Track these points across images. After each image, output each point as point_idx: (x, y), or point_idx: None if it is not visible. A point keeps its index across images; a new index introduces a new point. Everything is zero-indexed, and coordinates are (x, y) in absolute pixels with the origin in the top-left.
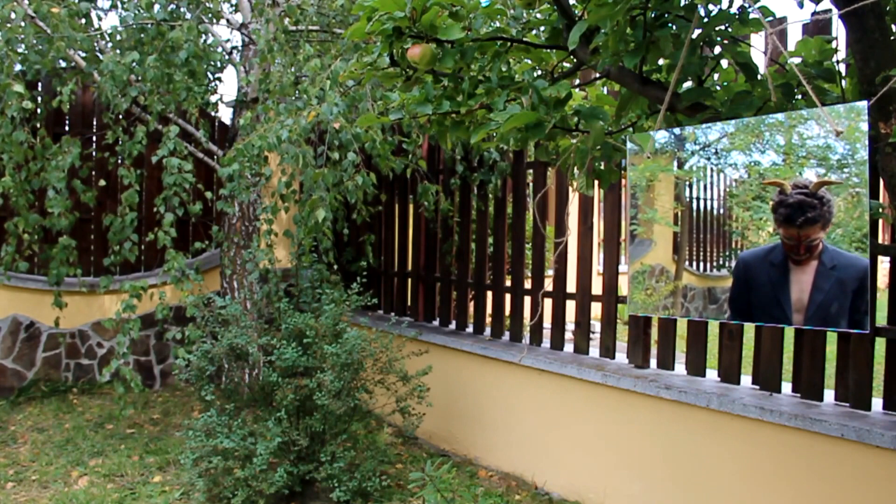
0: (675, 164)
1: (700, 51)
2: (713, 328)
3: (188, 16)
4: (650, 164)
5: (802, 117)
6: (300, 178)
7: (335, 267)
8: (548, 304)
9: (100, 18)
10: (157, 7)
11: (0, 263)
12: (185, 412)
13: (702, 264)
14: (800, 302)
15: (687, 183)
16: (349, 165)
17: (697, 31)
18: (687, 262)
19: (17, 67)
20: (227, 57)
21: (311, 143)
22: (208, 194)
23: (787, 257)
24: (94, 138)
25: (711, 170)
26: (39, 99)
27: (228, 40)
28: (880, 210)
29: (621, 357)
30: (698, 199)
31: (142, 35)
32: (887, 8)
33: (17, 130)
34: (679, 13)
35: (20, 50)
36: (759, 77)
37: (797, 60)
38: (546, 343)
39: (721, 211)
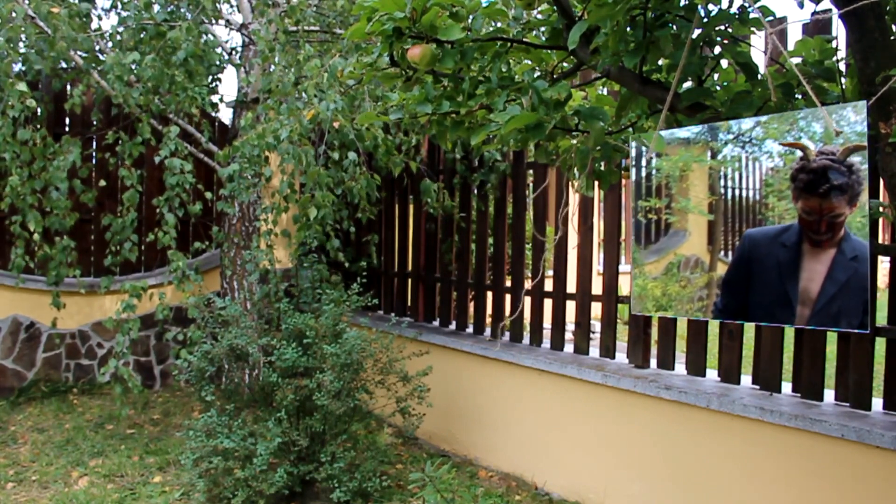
0: (709, 154)
1: (700, 51)
2: (713, 328)
3: (188, 16)
4: (684, 154)
5: (840, 106)
6: (300, 177)
7: (346, 265)
8: (548, 304)
9: (100, 18)
10: (156, 7)
11: (12, 267)
12: (185, 412)
13: None
14: (807, 293)
15: (721, 172)
16: (350, 165)
17: (697, 31)
18: (722, 253)
19: (18, 67)
20: (226, 57)
21: (311, 142)
22: (208, 195)
23: (802, 239)
24: (94, 138)
25: (746, 158)
26: (40, 99)
27: (228, 41)
28: (880, 210)
29: (621, 357)
30: (733, 188)
31: (142, 35)
32: (887, 8)
33: (21, 129)
34: (679, 13)
35: (21, 50)
36: (759, 77)
37: (797, 60)
38: (546, 343)
39: (757, 199)
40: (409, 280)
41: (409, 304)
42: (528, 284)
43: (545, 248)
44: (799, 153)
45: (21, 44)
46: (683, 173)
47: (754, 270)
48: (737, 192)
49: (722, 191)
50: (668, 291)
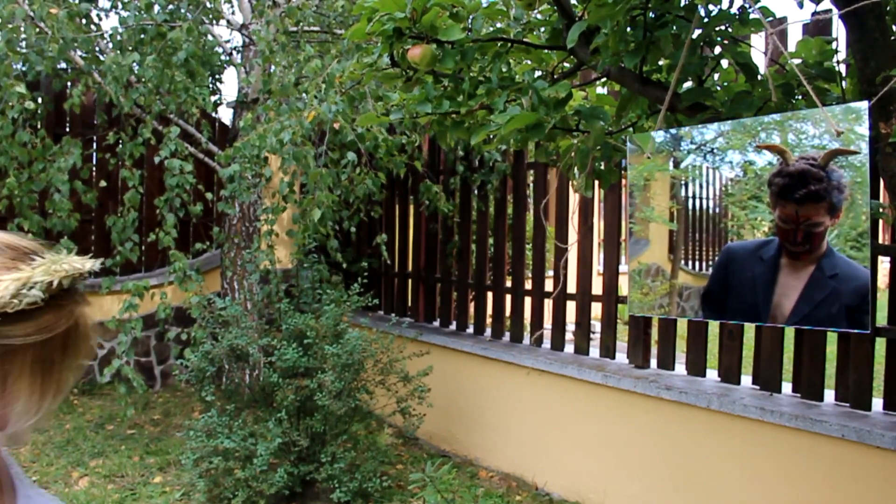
0: (672, 163)
1: (700, 51)
2: (713, 328)
3: (189, 17)
4: (648, 164)
5: (798, 117)
6: (301, 178)
7: (344, 266)
8: (548, 304)
9: (100, 18)
10: (156, 8)
11: None
12: (185, 413)
13: (698, 263)
14: (780, 308)
15: (683, 182)
16: (348, 165)
17: (698, 32)
18: (683, 262)
19: (18, 67)
20: (227, 58)
21: (312, 142)
22: (209, 195)
23: (781, 253)
24: (95, 139)
25: (708, 169)
26: (40, 100)
27: (228, 41)
28: (880, 210)
29: (621, 357)
30: (694, 197)
31: (142, 36)
32: (887, 8)
33: (19, 131)
34: (679, 13)
35: (21, 50)
36: (759, 77)
37: (797, 61)
38: (546, 344)
39: (717, 210)
40: (410, 280)
41: (409, 304)
42: (548, 286)
43: (565, 252)
44: (776, 158)
45: (22, 44)
46: (647, 182)
47: (730, 284)
48: (698, 201)
49: (684, 200)
50: (631, 297)
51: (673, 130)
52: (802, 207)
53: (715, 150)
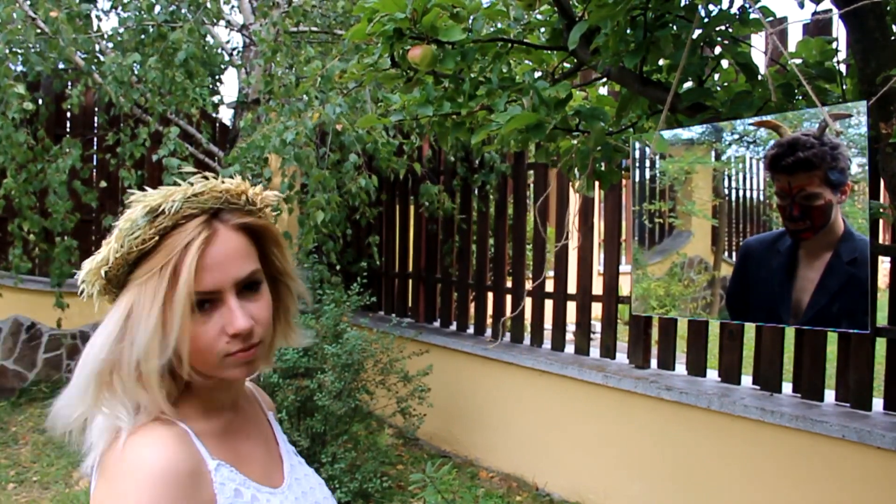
0: (713, 155)
1: (700, 51)
2: (713, 328)
3: (189, 17)
4: (689, 157)
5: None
6: (302, 178)
7: (338, 267)
8: (548, 304)
9: (99, 19)
10: (157, 8)
11: (9, 268)
12: None
13: None
14: (798, 305)
15: (725, 174)
16: (351, 167)
17: (698, 32)
18: (725, 253)
19: (18, 68)
20: (227, 58)
21: (314, 144)
22: None
23: (795, 242)
24: (95, 139)
25: (750, 159)
26: (40, 101)
27: (229, 41)
28: (880, 210)
29: (622, 357)
30: (737, 188)
31: (143, 36)
32: (888, 8)
33: (18, 132)
34: (679, 13)
35: (21, 51)
36: (759, 77)
37: (798, 61)
38: (547, 344)
39: (762, 200)
40: (410, 281)
41: (409, 304)
42: (549, 286)
43: (562, 249)
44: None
45: (22, 45)
46: (688, 175)
47: (750, 282)
48: (741, 193)
49: (726, 192)
50: (671, 291)
51: (712, 124)
52: (794, 177)
53: (757, 140)
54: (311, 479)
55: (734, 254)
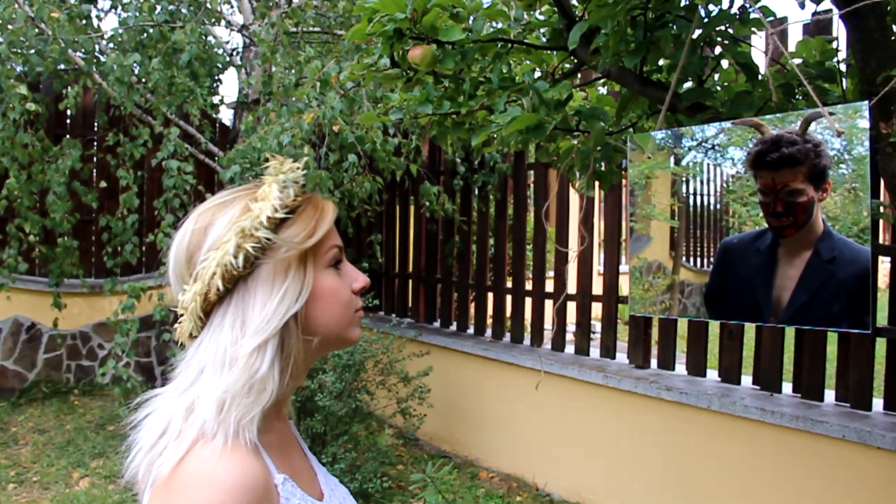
0: (673, 160)
1: (700, 51)
2: (713, 328)
3: (190, 17)
4: (649, 162)
5: (801, 115)
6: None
7: None
8: (548, 305)
9: (99, 19)
10: (158, 9)
11: (3, 266)
12: None
13: (699, 260)
14: (780, 303)
15: (684, 179)
16: (350, 167)
17: (698, 32)
18: (684, 259)
19: (18, 69)
20: (228, 59)
21: (312, 144)
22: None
23: (778, 242)
24: (96, 140)
25: (709, 165)
26: (41, 101)
27: (228, 42)
28: (881, 210)
29: (622, 357)
30: (696, 194)
31: (143, 37)
32: (888, 8)
33: (20, 132)
34: (679, 13)
35: (21, 52)
36: (759, 77)
37: (798, 61)
38: (547, 344)
39: (718, 206)
40: (410, 281)
41: (409, 304)
42: (549, 286)
43: (566, 254)
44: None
45: (22, 46)
46: (648, 180)
47: (730, 281)
48: (699, 198)
49: (685, 197)
50: (632, 294)
51: (674, 129)
52: (778, 173)
53: (716, 147)
54: (341, 489)
55: (692, 259)
